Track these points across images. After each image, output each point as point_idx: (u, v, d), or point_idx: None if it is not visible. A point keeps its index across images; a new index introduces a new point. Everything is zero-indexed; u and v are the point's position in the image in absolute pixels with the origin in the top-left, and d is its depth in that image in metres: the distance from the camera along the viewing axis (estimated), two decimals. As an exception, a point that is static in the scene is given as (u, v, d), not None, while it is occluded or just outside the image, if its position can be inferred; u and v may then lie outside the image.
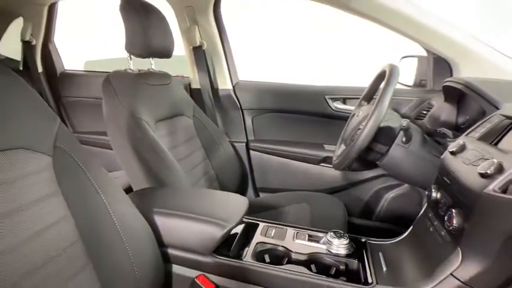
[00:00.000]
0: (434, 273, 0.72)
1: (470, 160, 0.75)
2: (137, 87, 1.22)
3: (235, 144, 1.72)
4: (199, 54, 1.66)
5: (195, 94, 1.72)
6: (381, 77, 1.22)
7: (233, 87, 1.78)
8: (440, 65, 1.45)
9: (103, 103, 1.18)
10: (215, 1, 1.60)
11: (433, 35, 1.36)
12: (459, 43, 1.34)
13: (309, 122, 1.73)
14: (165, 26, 1.29)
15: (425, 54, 1.51)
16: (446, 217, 0.74)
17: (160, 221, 0.85)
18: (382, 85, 1.09)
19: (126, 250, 0.73)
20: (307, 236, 0.96)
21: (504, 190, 0.61)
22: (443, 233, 0.77)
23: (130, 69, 1.29)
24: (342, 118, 1.58)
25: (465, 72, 1.33)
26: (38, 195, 0.61)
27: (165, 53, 1.32)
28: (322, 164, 1.66)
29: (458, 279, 0.68)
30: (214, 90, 1.75)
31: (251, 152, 1.77)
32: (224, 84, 1.76)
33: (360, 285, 0.77)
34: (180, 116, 1.42)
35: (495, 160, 0.66)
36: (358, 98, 1.37)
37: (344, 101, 1.66)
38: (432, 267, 0.74)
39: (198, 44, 1.64)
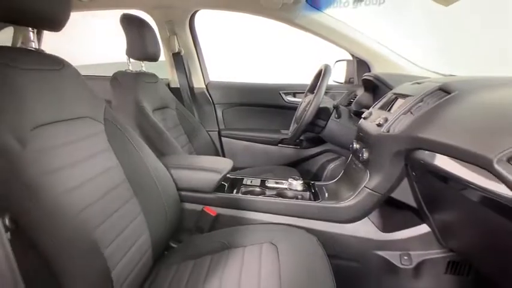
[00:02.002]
0: (355, 188, 1.18)
1: (373, 120, 1.22)
2: (138, 84, 1.56)
3: (209, 132, 2.09)
4: (178, 60, 2.03)
5: (174, 92, 2.07)
6: (319, 74, 1.69)
7: (206, 86, 2.17)
8: (362, 66, 1.97)
9: (112, 96, 1.50)
10: (191, 16, 1.99)
11: (356, 44, 1.88)
12: (373, 49, 1.88)
13: (268, 113, 2.17)
14: (154, 36, 1.65)
15: (351, 58, 2.03)
16: (360, 154, 1.21)
17: (177, 172, 1.22)
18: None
19: (158, 190, 1.09)
20: (275, 182, 1.38)
21: (388, 131, 1.08)
22: (359, 165, 1.24)
23: (130, 70, 1.62)
24: (293, 108, 2.03)
25: (377, 70, 1.85)
26: (98, 148, 0.93)
27: (155, 57, 1.67)
28: (280, 145, 2.10)
29: (368, 188, 1.14)
30: (191, 88, 2.11)
31: (222, 138, 2.16)
32: (198, 83, 2.15)
33: (310, 202, 1.22)
34: (167, 108, 1.78)
35: (384, 116, 1.13)
36: (304, 92, 1.83)
37: (294, 94, 2.13)
38: (354, 186, 1.21)
39: (176, 50, 2.01)
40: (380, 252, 1.15)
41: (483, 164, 0.65)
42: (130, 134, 1.07)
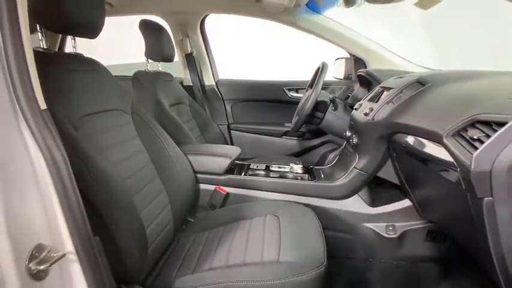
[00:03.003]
0: (346, 169, 1.37)
1: (362, 110, 1.40)
2: (156, 82, 1.76)
3: (219, 126, 2.29)
4: (190, 60, 2.23)
5: (186, 89, 2.27)
6: (317, 70, 1.86)
7: (216, 83, 2.37)
8: (358, 63, 2.14)
9: (133, 93, 1.71)
10: (201, 20, 2.20)
11: (352, 43, 2.05)
12: (369, 48, 2.05)
13: (273, 107, 2.36)
14: (169, 39, 1.85)
15: (348, 56, 2.20)
16: (351, 140, 1.39)
17: (193, 157, 1.41)
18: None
19: (178, 172, 1.28)
20: (278, 167, 1.57)
21: (373, 119, 1.26)
22: (350, 149, 1.42)
23: (148, 70, 1.83)
24: (296, 103, 2.20)
25: (372, 67, 2.02)
26: (128, 136, 1.13)
27: (170, 58, 1.87)
28: (284, 137, 2.29)
29: (357, 168, 1.33)
30: (202, 86, 2.32)
31: (232, 131, 2.36)
32: (209, 81, 2.35)
33: (308, 181, 1.40)
34: (181, 104, 1.98)
35: (371, 106, 1.31)
36: (305, 88, 2.01)
37: (297, 90, 2.32)
38: (345, 167, 1.39)
39: (189, 51, 2.22)
40: (368, 224, 1.33)
41: (437, 139, 0.83)
42: (154, 125, 1.28)
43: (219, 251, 1.05)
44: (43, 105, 0.65)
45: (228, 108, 2.39)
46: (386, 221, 1.32)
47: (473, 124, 0.73)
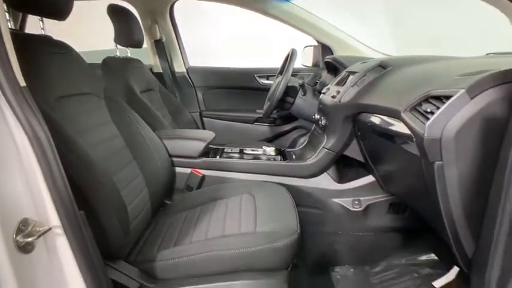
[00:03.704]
0: (316, 149, 1.45)
1: (330, 93, 1.48)
2: (126, 68, 1.75)
3: (191, 113, 2.30)
4: (159, 46, 2.22)
5: (156, 77, 2.25)
6: (287, 58, 1.92)
7: (186, 70, 2.37)
8: (326, 51, 2.23)
9: (103, 79, 1.69)
10: (171, 5, 2.18)
11: (320, 31, 2.13)
12: (335, 36, 2.13)
13: (244, 94, 2.41)
14: (138, 25, 1.83)
15: (316, 43, 2.28)
16: (320, 122, 1.47)
17: (168, 142, 1.44)
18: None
19: (153, 156, 1.31)
20: (251, 150, 1.63)
21: (339, 100, 1.35)
22: (319, 131, 1.51)
23: (118, 55, 1.81)
24: (267, 90, 2.26)
25: (338, 53, 2.11)
26: (101, 120, 1.14)
27: (140, 44, 1.86)
28: (256, 123, 2.34)
29: (325, 148, 1.41)
30: (172, 73, 2.31)
31: (204, 118, 2.38)
32: (179, 68, 2.35)
33: (280, 162, 1.48)
34: (152, 90, 1.98)
35: (337, 89, 1.40)
36: (275, 75, 2.06)
37: (267, 77, 2.37)
38: (315, 147, 1.47)
39: (158, 38, 2.20)
40: (336, 200, 1.43)
41: (396, 115, 0.91)
42: (127, 110, 1.29)
43: (198, 226, 1.10)
44: (22, 83, 0.66)
45: (200, 95, 2.41)
46: (353, 196, 1.42)
47: (426, 99, 0.83)
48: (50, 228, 0.67)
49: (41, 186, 0.67)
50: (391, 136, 1.02)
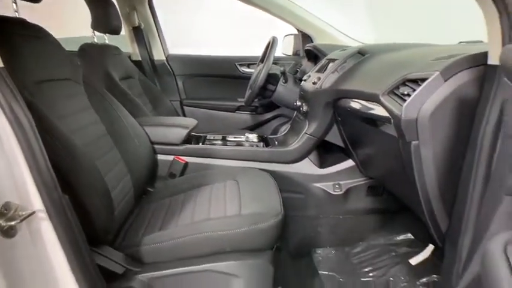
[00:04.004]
0: (298, 135, 1.48)
1: (311, 80, 1.50)
2: (105, 54, 1.71)
3: (172, 102, 2.28)
4: (138, 33, 2.17)
5: (135, 64, 2.21)
6: (268, 46, 1.93)
7: (166, 58, 2.33)
8: (306, 39, 2.24)
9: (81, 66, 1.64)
10: (149, -8, 2.14)
11: (300, 20, 2.14)
12: (315, 24, 2.15)
13: (225, 83, 2.40)
14: (116, 11, 1.79)
15: (297, 32, 2.30)
16: (301, 109, 1.50)
17: (149, 129, 1.42)
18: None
19: (135, 142, 1.29)
20: (234, 137, 1.64)
21: (320, 87, 1.37)
22: (301, 117, 1.53)
23: (96, 42, 1.76)
24: (248, 78, 2.25)
25: (318, 42, 2.14)
26: (81, 106, 1.11)
27: (117, 30, 1.82)
28: (237, 112, 2.35)
29: (307, 133, 1.44)
30: (152, 61, 2.27)
31: (184, 107, 2.36)
32: (159, 55, 2.31)
33: (263, 148, 1.49)
34: (131, 78, 1.94)
35: (318, 76, 1.42)
36: (256, 64, 2.07)
37: (248, 65, 2.37)
38: (297, 134, 1.50)
39: (136, 24, 2.15)
40: (318, 184, 1.46)
41: (375, 99, 0.95)
42: (107, 96, 1.27)
43: (183, 211, 1.10)
44: (0, 63, 0.64)
45: (180, 83, 2.38)
46: (333, 180, 1.47)
47: (403, 83, 0.86)
48: (34, 212, 0.67)
49: (23, 169, 0.66)
50: (371, 120, 1.05)
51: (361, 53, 1.33)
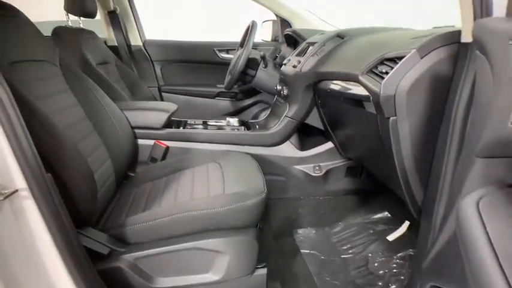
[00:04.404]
0: (278, 118, 1.50)
1: (291, 64, 1.52)
2: (80, 38, 1.66)
3: (150, 88, 2.24)
4: (114, 18, 2.10)
5: (111, 50, 2.15)
6: (247, 30, 1.93)
7: (143, 43, 2.28)
8: (285, 25, 2.25)
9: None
10: (124, -26, 2.07)
11: (279, 5, 2.15)
12: (293, 10, 2.17)
13: (204, 69, 2.38)
14: None
15: (275, 18, 2.30)
16: (282, 92, 1.51)
17: (129, 113, 1.40)
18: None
19: (115, 126, 1.27)
20: (215, 121, 1.65)
21: (300, 70, 1.39)
22: (281, 101, 1.55)
23: (70, 25, 1.70)
24: (227, 64, 2.24)
25: (297, 27, 2.16)
26: (58, 89, 1.08)
27: (92, 14, 1.76)
28: (217, 98, 2.34)
29: (288, 116, 1.46)
30: (128, 46, 2.21)
31: (163, 93, 2.33)
32: (135, 41, 2.25)
33: (245, 131, 1.51)
34: (108, 63, 1.89)
35: (298, 59, 1.44)
36: (235, 49, 2.06)
37: (227, 51, 2.36)
38: (277, 117, 1.52)
39: (112, 9, 2.09)
40: (298, 166, 1.50)
41: (354, 79, 0.98)
42: (86, 79, 1.23)
43: (166, 193, 1.10)
44: None
45: (158, 69, 2.34)
46: (313, 162, 1.50)
47: (381, 62, 0.89)
48: (17, 190, 0.65)
49: (3, 146, 0.64)
50: (350, 100, 1.09)
51: (340, 36, 1.35)
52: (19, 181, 0.66)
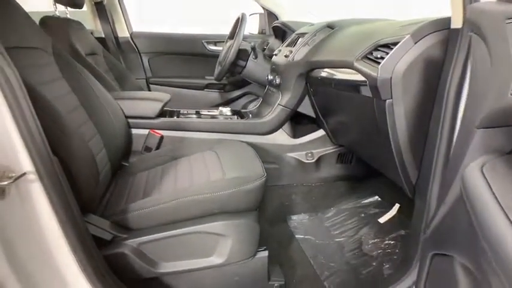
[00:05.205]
0: (271, 107, 1.52)
1: (283, 54, 1.54)
2: (69, 28, 1.63)
3: (138, 80, 2.22)
4: (100, 9, 2.07)
5: (98, 41, 2.12)
6: (237, 22, 1.94)
7: (130, 35, 2.25)
8: (271, 18, 2.28)
9: None
10: (110, -36, 2.04)
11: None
12: (280, 3, 2.19)
13: (193, 61, 2.38)
14: None
15: (262, 11, 2.32)
16: (274, 82, 1.54)
17: (123, 102, 1.39)
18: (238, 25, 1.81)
19: (110, 116, 1.26)
20: (207, 111, 1.66)
21: (292, 59, 1.42)
22: (274, 90, 1.58)
23: (57, 15, 1.66)
24: (215, 56, 2.25)
25: (284, 19, 2.18)
26: (52, 77, 1.06)
27: (80, 4, 1.72)
28: (206, 90, 2.34)
29: (281, 105, 1.49)
30: (115, 38, 2.18)
31: (150, 85, 2.31)
32: (123, 33, 2.22)
33: (238, 120, 1.53)
34: (96, 54, 1.86)
35: (290, 49, 1.47)
36: (224, 41, 2.06)
37: (215, 43, 2.36)
38: (270, 105, 1.55)
39: (99, 0, 2.05)
40: (291, 154, 1.53)
41: (349, 65, 1.01)
42: (79, 67, 1.22)
43: (165, 180, 1.10)
44: None
45: (145, 61, 2.32)
46: (306, 149, 1.54)
47: (376, 48, 0.93)
48: (24, 174, 0.65)
49: (10, 128, 0.64)
50: (343, 86, 1.12)
51: (330, 27, 1.39)
52: (26, 164, 0.66)
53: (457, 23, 0.76)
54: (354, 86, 1.03)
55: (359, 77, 0.97)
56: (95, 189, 0.92)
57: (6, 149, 0.64)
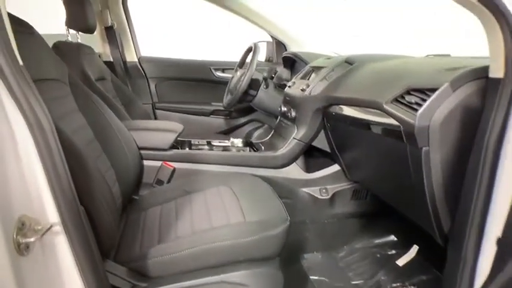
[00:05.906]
0: (286, 140, 1.49)
1: (297, 87, 1.53)
2: (80, 53, 1.60)
3: (144, 105, 2.18)
4: (110, 33, 2.05)
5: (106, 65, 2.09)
6: (248, 51, 1.93)
7: (138, 60, 2.23)
8: (280, 47, 2.29)
9: None
10: (123, -10, 2.04)
11: (274, 27, 2.18)
12: (288, 33, 2.20)
13: (200, 87, 2.36)
14: (91, 8, 1.68)
15: (270, 40, 2.33)
16: (288, 114, 1.52)
17: (136, 133, 1.35)
18: (250, 54, 1.80)
19: (124, 148, 1.22)
20: (218, 141, 1.62)
21: (309, 93, 1.41)
22: (288, 122, 1.56)
23: (70, 40, 1.64)
24: (222, 83, 2.25)
25: (292, 50, 2.19)
26: (68, 109, 1.02)
27: (92, 29, 1.70)
28: (211, 116, 2.32)
29: (296, 138, 1.46)
30: (124, 62, 2.16)
31: (157, 110, 2.27)
32: (131, 57, 2.20)
33: (252, 153, 1.49)
34: (105, 79, 1.83)
35: (306, 83, 1.46)
36: (232, 69, 2.05)
37: (223, 70, 2.36)
38: (285, 139, 1.52)
39: (109, 24, 2.04)
40: (305, 189, 1.49)
41: (377, 106, 0.99)
42: (94, 98, 1.18)
43: (180, 220, 1.05)
44: (20, 61, 0.58)
45: (152, 86, 2.29)
46: (320, 184, 1.51)
47: (408, 92, 0.92)
48: (51, 226, 0.60)
49: (40, 177, 0.59)
50: (366, 125, 1.10)
51: (349, 62, 1.38)
52: (53, 216, 0.61)
53: (496, 72, 0.75)
54: (384, 128, 1.01)
55: (390, 120, 0.95)
56: (116, 233, 0.86)
57: (34, 199, 0.60)
